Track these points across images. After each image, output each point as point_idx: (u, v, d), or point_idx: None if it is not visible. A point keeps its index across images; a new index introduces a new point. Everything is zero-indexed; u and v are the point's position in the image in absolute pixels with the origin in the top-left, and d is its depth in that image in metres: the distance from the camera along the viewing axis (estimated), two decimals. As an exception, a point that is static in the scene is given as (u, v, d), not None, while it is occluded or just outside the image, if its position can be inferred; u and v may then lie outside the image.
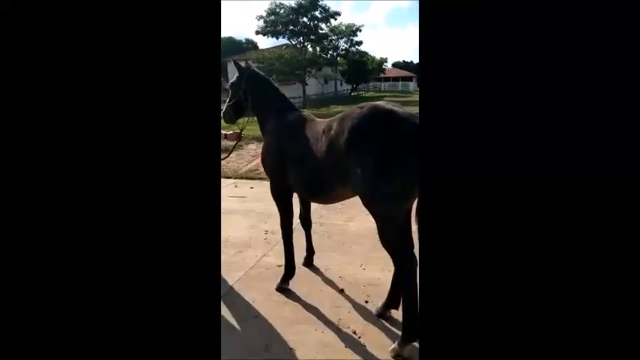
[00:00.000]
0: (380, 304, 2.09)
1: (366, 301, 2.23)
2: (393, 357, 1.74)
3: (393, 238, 1.68)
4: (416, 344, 1.81)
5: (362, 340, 1.89)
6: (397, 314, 2.01)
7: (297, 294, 2.33)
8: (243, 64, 2.49)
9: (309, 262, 2.69)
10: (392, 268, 2.47)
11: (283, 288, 2.35)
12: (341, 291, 2.36)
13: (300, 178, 2.01)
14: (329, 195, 1.98)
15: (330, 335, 1.93)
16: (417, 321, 1.75)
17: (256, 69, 2.46)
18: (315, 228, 3.45)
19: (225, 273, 2.59)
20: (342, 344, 1.86)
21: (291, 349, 1.83)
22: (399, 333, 1.81)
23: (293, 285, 2.41)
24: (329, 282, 2.49)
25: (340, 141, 1.69)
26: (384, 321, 2.04)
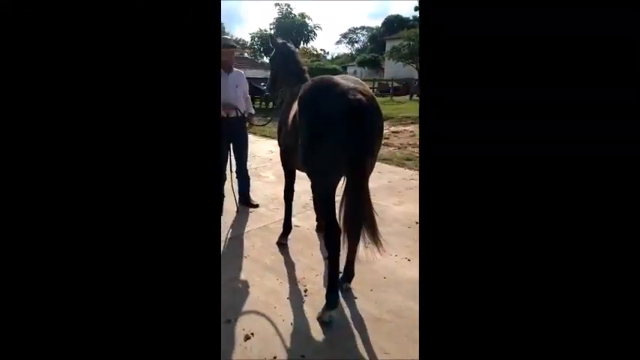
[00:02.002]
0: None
1: (340, 272, 2.32)
2: (317, 319, 1.86)
3: (320, 206, 1.77)
4: (347, 311, 1.88)
5: (306, 298, 2.06)
6: (360, 291, 2.08)
7: (290, 250, 2.61)
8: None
9: (320, 228, 2.89)
10: (394, 253, 2.46)
11: (281, 243, 2.67)
12: (326, 258, 2.50)
13: (284, 144, 2.24)
14: (297, 162, 2.14)
15: (284, 286, 2.17)
16: (336, 291, 1.83)
17: (288, 44, 2.71)
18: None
19: (253, 222, 3.09)
20: (286, 294, 2.08)
21: (248, 286, 2.17)
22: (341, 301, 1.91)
23: (292, 243, 2.69)
24: (324, 249, 2.65)
25: (297, 112, 1.84)
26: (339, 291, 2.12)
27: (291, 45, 2.70)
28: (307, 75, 2.53)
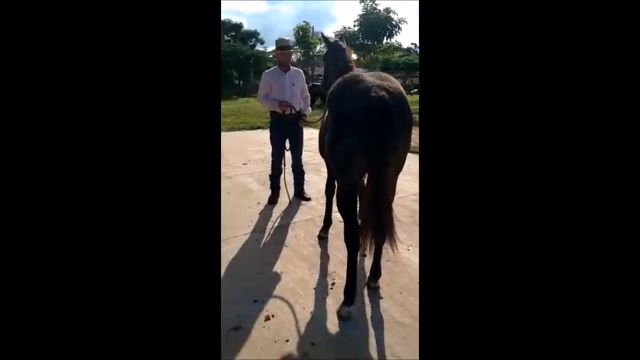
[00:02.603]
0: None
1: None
2: (336, 312, 1.90)
3: (339, 201, 1.80)
4: (368, 310, 1.89)
5: (331, 291, 2.11)
6: (388, 292, 2.08)
7: (329, 244, 2.68)
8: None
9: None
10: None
11: (322, 236, 2.75)
12: (363, 256, 2.51)
13: (322, 140, 2.31)
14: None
15: (314, 277, 2.25)
16: (354, 288, 1.85)
17: (339, 42, 2.74)
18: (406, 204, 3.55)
19: (301, 214, 3.24)
20: (314, 285, 2.17)
21: (281, 273, 2.31)
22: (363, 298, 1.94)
23: (333, 237, 2.75)
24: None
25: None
26: (366, 288, 2.12)
27: (342, 42, 2.73)
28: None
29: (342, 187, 1.79)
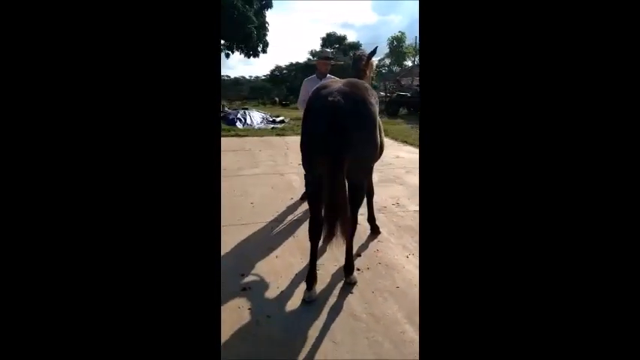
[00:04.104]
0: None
1: (358, 269, 2.40)
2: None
3: (307, 199, 1.98)
4: (331, 301, 2.04)
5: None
6: (360, 290, 2.19)
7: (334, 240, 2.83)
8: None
9: (374, 230, 2.98)
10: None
11: (329, 233, 2.92)
12: (358, 255, 2.61)
13: None
14: None
15: (301, 265, 2.45)
16: (312, 275, 2.02)
17: (362, 53, 2.90)
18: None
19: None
20: (297, 271, 2.37)
21: (276, 257, 2.57)
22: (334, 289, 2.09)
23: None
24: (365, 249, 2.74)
25: None
26: (340, 282, 2.25)
27: (364, 54, 2.90)
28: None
29: (306, 184, 1.97)
